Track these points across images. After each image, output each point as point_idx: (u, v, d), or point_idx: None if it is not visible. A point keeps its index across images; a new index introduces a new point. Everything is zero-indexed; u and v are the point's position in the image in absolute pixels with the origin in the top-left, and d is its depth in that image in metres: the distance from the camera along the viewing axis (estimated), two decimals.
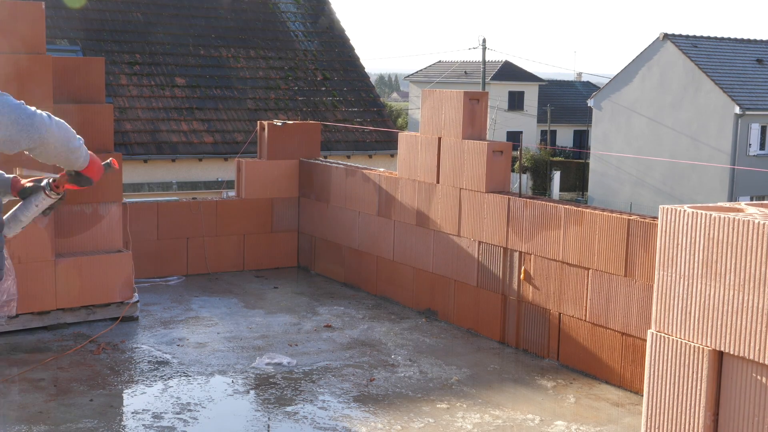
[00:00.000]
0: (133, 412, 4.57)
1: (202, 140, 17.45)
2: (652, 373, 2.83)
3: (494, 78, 50.91)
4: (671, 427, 2.77)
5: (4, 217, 3.39)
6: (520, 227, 5.73)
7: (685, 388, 2.73)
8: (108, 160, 3.50)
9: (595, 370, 5.27)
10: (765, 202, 2.86)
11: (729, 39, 38.06)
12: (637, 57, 37.04)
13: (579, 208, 5.36)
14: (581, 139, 54.25)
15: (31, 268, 5.77)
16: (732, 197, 32.78)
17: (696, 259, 2.69)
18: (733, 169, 32.94)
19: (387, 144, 18.81)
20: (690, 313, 2.72)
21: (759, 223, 2.54)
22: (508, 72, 53.71)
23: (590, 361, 5.30)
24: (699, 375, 2.69)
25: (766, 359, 2.52)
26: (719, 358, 2.67)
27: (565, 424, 4.57)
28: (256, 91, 18.90)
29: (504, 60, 54.72)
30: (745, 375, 2.60)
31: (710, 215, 2.66)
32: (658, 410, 2.81)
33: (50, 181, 3.39)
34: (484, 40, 39.72)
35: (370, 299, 7.07)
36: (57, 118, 3.22)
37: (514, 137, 48.83)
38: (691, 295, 2.72)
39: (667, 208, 2.78)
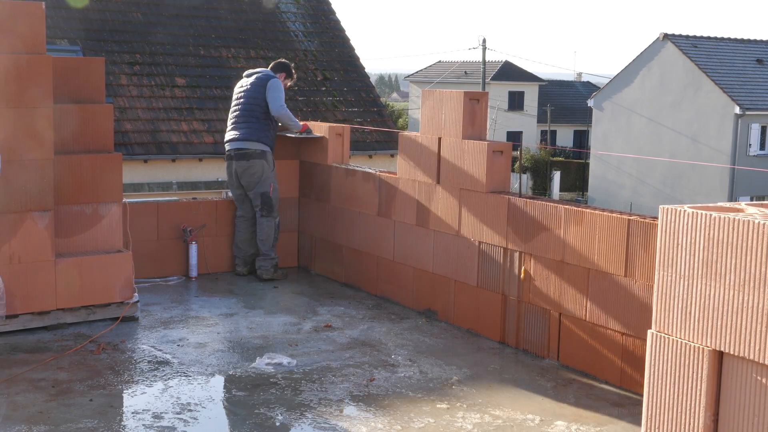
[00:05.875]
0: (133, 412, 4.57)
1: (202, 140, 17.45)
2: (652, 373, 2.83)
3: (494, 78, 50.93)
4: (671, 427, 2.77)
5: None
6: (520, 227, 5.73)
7: (685, 388, 2.73)
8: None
9: (595, 370, 5.27)
10: (765, 202, 2.86)
11: (729, 39, 38.07)
12: (637, 57, 37.06)
13: (579, 208, 5.36)
14: (581, 139, 54.27)
15: (31, 268, 5.77)
16: (732, 197, 32.78)
17: (696, 259, 2.69)
18: (733, 169, 32.96)
19: (387, 144, 18.80)
20: (690, 313, 2.72)
21: (759, 223, 2.54)
22: (508, 72, 53.72)
23: (590, 361, 5.30)
24: (699, 375, 2.69)
25: (766, 359, 2.52)
26: (719, 358, 2.67)
27: (565, 424, 4.57)
28: None
29: (504, 60, 54.77)
30: (745, 375, 2.60)
31: (710, 215, 2.66)
32: (658, 410, 2.81)
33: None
34: (484, 40, 39.73)
35: (370, 299, 7.07)
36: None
37: (514, 137, 48.85)
38: (691, 295, 2.72)
39: (667, 208, 2.78)
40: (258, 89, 7.54)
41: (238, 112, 7.60)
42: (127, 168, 14.60)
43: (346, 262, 7.54)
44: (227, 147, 7.65)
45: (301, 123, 7.79)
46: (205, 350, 5.62)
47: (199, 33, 19.48)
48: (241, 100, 7.61)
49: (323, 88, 19.64)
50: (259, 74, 7.63)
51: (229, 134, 7.62)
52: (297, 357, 5.50)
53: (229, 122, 7.70)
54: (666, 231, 2.79)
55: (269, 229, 7.56)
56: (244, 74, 7.81)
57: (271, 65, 7.88)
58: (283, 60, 8.05)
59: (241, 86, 7.70)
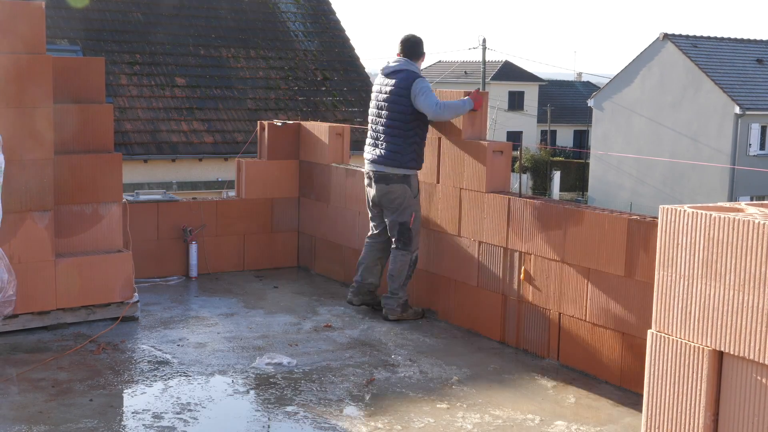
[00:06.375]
0: (133, 412, 4.57)
1: (202, 140, 17.45)
2: (652, 373, 2.83)
3: (494, 78, 50.91)
4: (671, 427, 2.77)
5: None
6: (520, 227, 5.73)
7: (685, 388, 2.73)
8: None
9: (595, 370, 5.27)
10: (765, 202, 2.86)
11: (729, 39, 38.06)
12: (637, 57, 37.05)
13: (579, 208, 5.36)
14: (581, 139, 54.26)
15: (31, 268, 5.77)
16: (732, 197, 32.79)
17: (696, 259, 2.69)
18: (733, 169, 32.95)
19: None
20: (690, 313, 2.72)
21: (759, 223, 2.54)
22: (508, 72, 53.71)
23: (590, 361, 5.30)
24: (699, 375, 2.69)
25: (766, 359, 2.52)
26: (719, 358, 2.67)
27: (565, 424, 4.57)
28: (256, 91, 18.91)
29: (504, 60, 54.74)
30: (745, 375, 2.60)
31: (710, 215, 2.66)
32: (658, 410, 2.81)
33: None
34: (484, 40, 39.70)
35: None
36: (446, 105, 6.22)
37: (514, 137, 48.82)
38: (691, 295, 2.72)
39: (667, 208, 2.79)
40: (401, 98, 6.25)
41: (379, 126, 6.45)
42: (127, 168, 14.60)
43: (346, 262, 7.54)
44: (366, 167, 6.61)
45: (468, 98, 6.27)
46: (205, 350, 5.62)
47: (199, 33, 19.48)
48: (383, 109, 6.39)
49: (323, 88, 19.64)
50: (400, 73, 6.32)
51: (369, 151, 6.55)
52: (297, 357, 5.50)
53: (369, 134, 6.60)
54: (666, 231, 2.79)
55: (403, 264, 6.35)
56: (383, 72, 6.49)
57: (403, 49, 6.44)
58: (411, 36, 6.52)
59: (381, 89, 6.43)
